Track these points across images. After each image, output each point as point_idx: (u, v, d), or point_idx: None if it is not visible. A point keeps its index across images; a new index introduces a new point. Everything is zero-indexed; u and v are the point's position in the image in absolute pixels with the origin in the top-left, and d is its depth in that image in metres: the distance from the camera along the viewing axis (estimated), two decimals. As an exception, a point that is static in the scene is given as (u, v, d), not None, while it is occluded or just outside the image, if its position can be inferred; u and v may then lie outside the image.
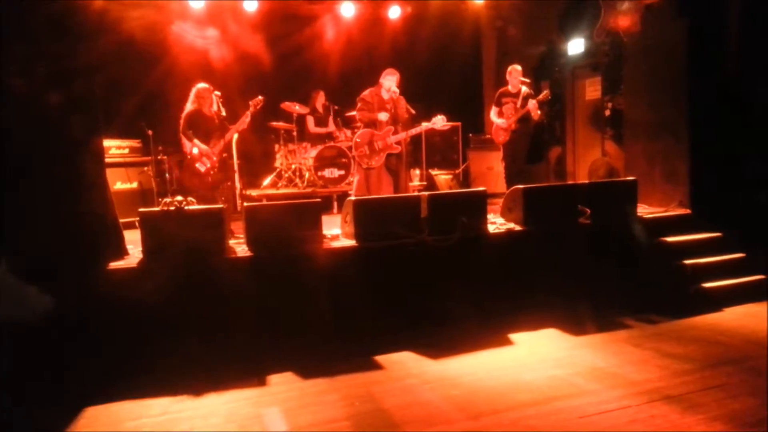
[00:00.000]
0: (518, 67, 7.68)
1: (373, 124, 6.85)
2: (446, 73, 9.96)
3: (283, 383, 4.03)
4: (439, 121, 6.90)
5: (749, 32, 6.17)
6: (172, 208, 4.59)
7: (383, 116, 6.79)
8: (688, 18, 6.19)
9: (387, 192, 6.82)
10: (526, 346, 4.61)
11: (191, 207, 4.73)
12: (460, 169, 9.89)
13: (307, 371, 4.16)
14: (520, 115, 7.45)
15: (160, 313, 4.24)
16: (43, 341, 3.85)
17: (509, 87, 7.67)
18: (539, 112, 7.44)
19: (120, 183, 7.14)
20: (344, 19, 9.61)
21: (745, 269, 5.68)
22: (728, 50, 6.26)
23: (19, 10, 4.11)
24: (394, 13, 9.72)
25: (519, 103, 7.49)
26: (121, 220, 4.95)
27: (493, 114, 7.77)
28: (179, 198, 4.73)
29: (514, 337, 4.78)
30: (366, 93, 6.92)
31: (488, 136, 9.42)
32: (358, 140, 6.89)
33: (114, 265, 4.52)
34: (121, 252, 4.77)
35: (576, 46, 9.30)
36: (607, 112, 8.77)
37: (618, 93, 8.33)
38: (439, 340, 4.67)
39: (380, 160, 6.83)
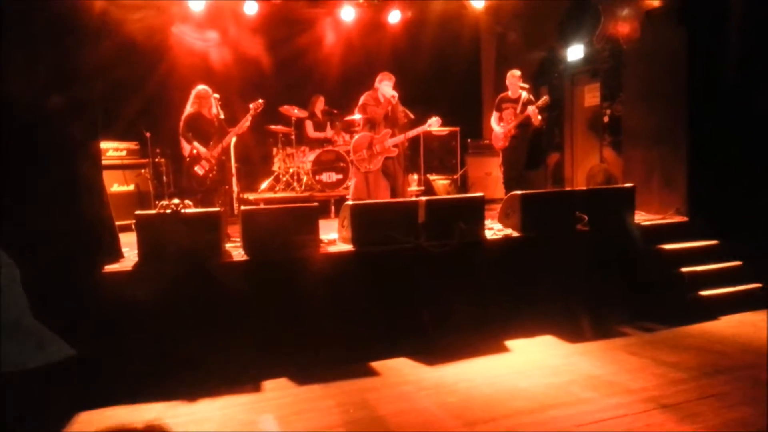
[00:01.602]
0: (517, 72, 7.68)
1: (374, 124, 6.85)
2: (445, 78, 9.96)
3: (277, 389, 4.01)
4: (435, 123, 6.86)
5: (749, 40, 6.17)
6: (169, 210, 4.57)
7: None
8: (688, 25, 6.19)
9: (384, 196, 6.81)
10: (523, 353, 4.60)
11: (188, 210, 4.72)
12: (458, 175, 9.89)
13: (302, 377, 4.14)
14: (520, 121, 7.45)
15: (155, 316, 4.22)
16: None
17: (509, 92, 7.67)
18: (539, 117, 7.43)
19: (117, 185, 7.11)
20: (344, 23, 9.62)
21: (742, 277, 5.68)
22: (728, 58, 6.25)
23: (19, 12, 4.10)
24: (394, 17, 9.73)
25: (518, 108, 7.49)
26: (118, 223, 4.93)
27: (493, 120, 7.77)
28: (176, 201, 4.72)
29: (510, 343, 4.76)
30: (366, 97, 6.93)
31: (487, 141, 9.42)
32: (356, 144, 6.89)
33: (109, 268, 4.50)
34: (117, 255, 4.75)
35: (575, 52, 9.31)
36: (606, 119, 8.78)
37: (617, 100, 8.34)
38: (436, 347, 4.65)
39: (378, 164, 6.83)
